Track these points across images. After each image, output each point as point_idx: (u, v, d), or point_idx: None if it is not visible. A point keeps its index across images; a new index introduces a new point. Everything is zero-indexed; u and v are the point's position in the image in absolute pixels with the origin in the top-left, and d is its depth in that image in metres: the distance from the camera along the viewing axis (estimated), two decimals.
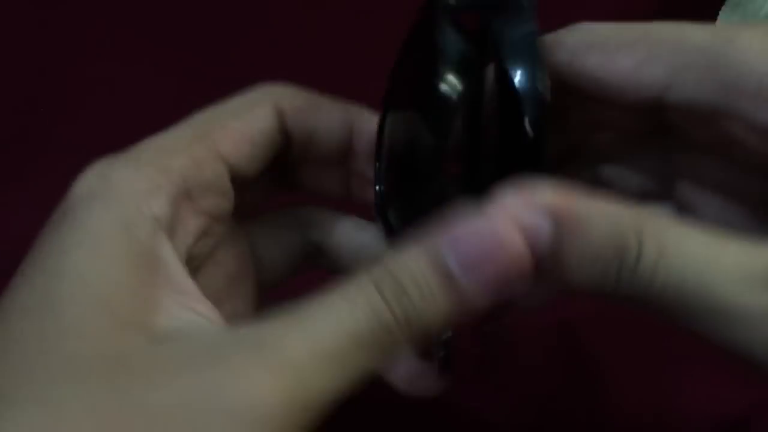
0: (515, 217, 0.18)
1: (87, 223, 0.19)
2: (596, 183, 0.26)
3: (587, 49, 0.23)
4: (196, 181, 0.22)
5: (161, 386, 0.17)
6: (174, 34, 0.49)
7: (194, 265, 0.23)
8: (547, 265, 0.19)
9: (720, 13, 0.44)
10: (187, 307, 0.20)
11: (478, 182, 0.23)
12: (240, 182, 0.24)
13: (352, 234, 0.26)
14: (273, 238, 0.26)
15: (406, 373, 0.24)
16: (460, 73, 0.23)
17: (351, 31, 0.50)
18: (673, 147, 0.25)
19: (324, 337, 0.18)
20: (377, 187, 0.24)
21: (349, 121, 0.25)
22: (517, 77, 0.22)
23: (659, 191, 0.26)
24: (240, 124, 0.23)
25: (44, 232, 0.21)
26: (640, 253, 0.18)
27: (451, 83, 0.23)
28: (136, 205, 0.20)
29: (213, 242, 0.23)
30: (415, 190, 0.23)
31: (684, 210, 0.26)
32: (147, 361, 0.18)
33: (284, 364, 0.17)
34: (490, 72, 0.24)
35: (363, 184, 0.26)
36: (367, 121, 0.25)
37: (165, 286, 0.20)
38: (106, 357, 0.17)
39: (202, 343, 0.18)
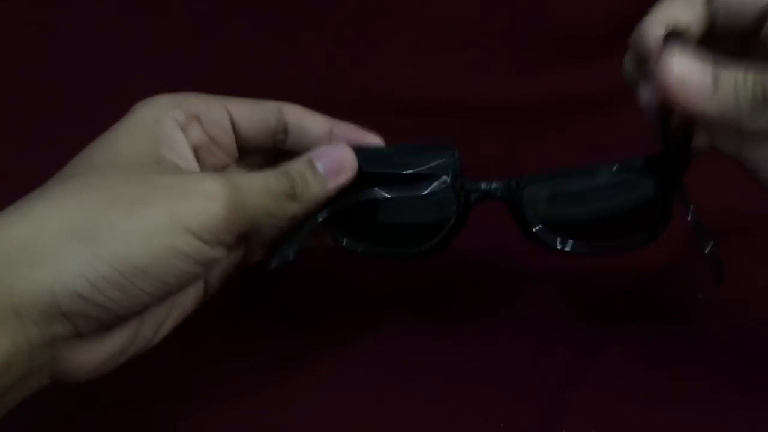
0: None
1: (140, 116, 0.32)
2: None
3: None
4: (206, 116, 0.34)
5: (166, 174, 0.30)
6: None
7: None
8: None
9: None
10: (181, 159, 0.32)
11: None
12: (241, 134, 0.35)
13: (303, 118, 0.36)
14: (257, 116, 0.36)
15: None
16: None
17: None
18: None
19: (255, 183, 0.31)
20: None
21: (329, 125, 0.36)
22: None
23: None
24: (249, 104, 0.35)
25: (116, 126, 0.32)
26: None
27: None
28: (164, 112, 0.32)
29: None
30: None
31: None
32: (160, 168, 0.31)
33: (230, 181, 0.30)
34: None
35: None
36: (341, 128, 0.37)
37: (170, 148, 0.32)
38: (137, 164, 0.30)
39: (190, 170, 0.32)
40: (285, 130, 0.35)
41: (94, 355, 0.29)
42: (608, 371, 0.35)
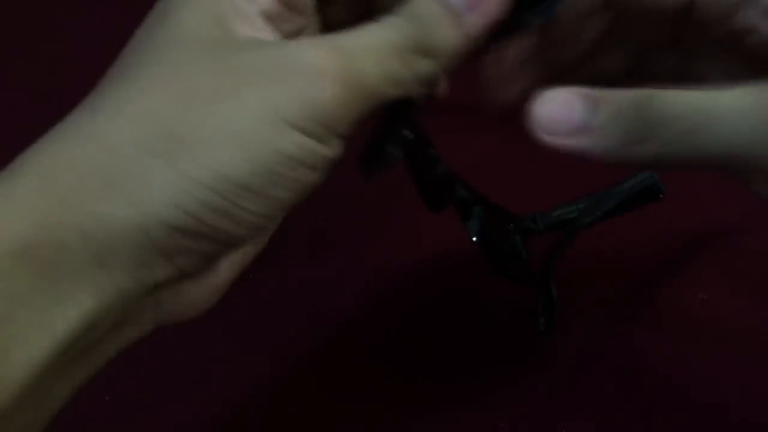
0: None
1: None
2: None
3: None
4: None
5: (247, 52, 0.22)
6: None
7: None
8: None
9: None
10: (256, 30, 0.24)
11: None
12: None
13: None
14: None
15: None
16: None
17: None
18: (689, 53, 0.29)
19: (371, 41, 0.23)
20: None
21: None
22: None
23: None
24: None
25: None
26: (650, 101, 0.22)
27: None
28: None
29: None
30: None
31: None
32: (236, 43, 0.23)
33: (336, 47, 0.22)
34: None
35: None
36: None
37: (241, 19, 0.23)
38: (207, 41, 0.22)
39: (272, 42, 0.24)
40: None
41: (204, 290, 0.24)
42: (608, 371, 0.35)
